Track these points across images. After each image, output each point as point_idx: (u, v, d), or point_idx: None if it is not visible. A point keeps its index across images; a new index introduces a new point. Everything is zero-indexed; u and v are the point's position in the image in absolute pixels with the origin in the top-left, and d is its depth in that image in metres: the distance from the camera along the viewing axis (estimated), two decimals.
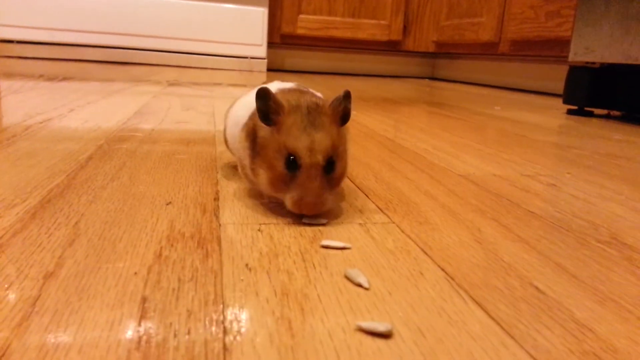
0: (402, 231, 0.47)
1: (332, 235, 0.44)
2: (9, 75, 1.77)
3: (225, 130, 0.64)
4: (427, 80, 3.28)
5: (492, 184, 0.66)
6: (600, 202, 0.60)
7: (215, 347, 0.27)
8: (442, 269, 0.39)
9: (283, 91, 0.53)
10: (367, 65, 3.34)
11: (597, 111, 1.61)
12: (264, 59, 2.88)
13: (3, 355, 0.25)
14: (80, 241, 0.40)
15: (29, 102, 1.12)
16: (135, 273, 0.35)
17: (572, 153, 0.92)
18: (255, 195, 0.54)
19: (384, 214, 0.51)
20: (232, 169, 0.66)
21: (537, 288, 0.36)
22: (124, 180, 0.57)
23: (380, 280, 0.36)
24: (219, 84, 1.96)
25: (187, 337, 0.28)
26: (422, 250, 0.42)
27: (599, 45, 1.45)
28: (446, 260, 0.40)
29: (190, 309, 0.31)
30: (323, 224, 0.47)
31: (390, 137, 0.98)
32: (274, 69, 3.05)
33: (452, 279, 0.37)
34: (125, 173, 0.60)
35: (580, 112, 1.59)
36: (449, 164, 0.76)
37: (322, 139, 0.46)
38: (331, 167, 0.47)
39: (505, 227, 0.49)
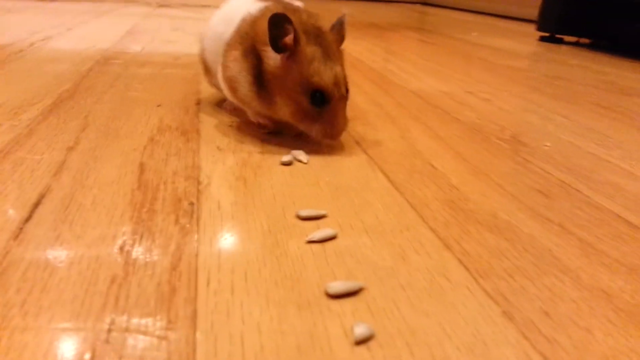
0: (346, 130, 0.59)
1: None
2: None
3: (203, 52, 0.60)
4: (418, 5, 3.28)
5: (435, 97, 0.77)
6: (520, 113, 0.72)
7: (191, 191, 0.40)
8: (367, 154, 0.51)
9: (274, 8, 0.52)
10: None
11: (567, 38, 1.69)
12: None
13: (44, 196, 0.38)
14: (91, 128, 0.52)
15: (28, 22, 1.20)
16: (134, 149, 0.47)
17: (522, 75, 1.03)
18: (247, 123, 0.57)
19: None
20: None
21: (432, 165, 0.49)
22: (120, 87, 0.68)
23: (317, 159, 0.49)
24: (207, 6, 2.00)
25: (172, 185, 0.41)
26: (357, 142, 0.55)
27: None
28: (373, 148, 0.53)
29: (175, 170, 0.43)
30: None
31: (363, 58, 1.08)
32: None
33: (372, 159, 0.50)
34: (121, 82, 0.71)
35: (551, 39, 1.67)
36: (406, 82, 0.87)
37: (342, 72, 0.48)
38: (347, 94, 0.49)
39: (430, 129, 0.61)
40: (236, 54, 0.50)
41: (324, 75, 0.46)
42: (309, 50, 0.46)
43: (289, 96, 0.47)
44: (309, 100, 0.47)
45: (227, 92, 0.54)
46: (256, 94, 0.49)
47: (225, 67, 0.52)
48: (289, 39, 0.46)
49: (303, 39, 0.46)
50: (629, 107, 0.80)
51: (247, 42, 0.49)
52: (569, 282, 0.31)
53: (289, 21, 0.45)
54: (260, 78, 0.48)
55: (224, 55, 0.52)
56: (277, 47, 0.46)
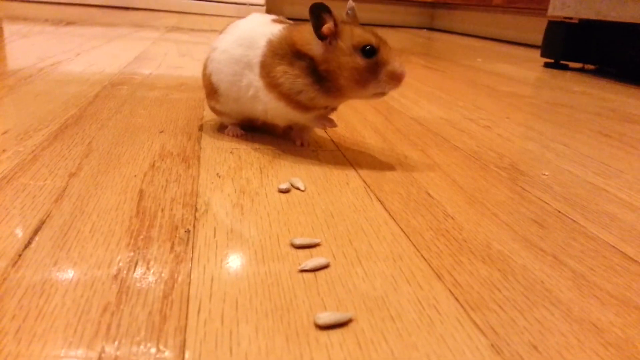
0: (344, 156, 0.59)
1: (288, 159, 0.57)
2: (13, 18, 1.85)
3: (210, 76, 0.60)
4: (424, 30, 3.32)
5: (435, 124, 0.78)
6: (519, 140, 0.72)
7: (188, 218, 0.41)
8: (364, 181, 0.52)
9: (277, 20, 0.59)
10: (367, 14, 3.37)
11: (572, 64, 1.70)
12: (263, 5, 2.92)
13: (44, 222, 0.39)
14: (94, 154, 0.53)
15: (39, 46, 1.23)
16: (135, 175, 0.48)
17: (524, 102, 1.04)
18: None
19: (335, 144, 0.64)
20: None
21: (428, 194, 0.49)
22: (126, 113, 0.70)
23: (314, 186, 0.49)
24: (216, 31, 2.04)
25: (170, 212, 0.41)
26: (354, 169, 0.55)
27: (574, 1, 1.53)
28: (370, 176, 0.53)
29: (174, 197, 0.44)
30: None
31: None
32: None
33: (369, 187, 0.50)
34: (127, 108, 0.73)
35: (556, 65, 1.68)
36: (406, 108, 0.88)
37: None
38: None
39: (428, 156, 0.62)
40: (282, 67, 0.53)
41: (364, 33, 0.51)
42: (346, 26, 0.52)
43: (346, 68, 0.51)
44: (363, 56, 0.51)
45: (283, 108, 0.55)
46: (320, 89, 0.53)
47: (275, 85, 0.54)
48: (327, 27, 0.51)
49: (339, 21, 0.52)
50: (631, 134, 0.81)
51: (286, 53, 0.53)
52: (559, 315, 0.32)
53: (327, 9, 0.50)
54: (316, 74, 0.52)
55: (267, 78, 0.54)
56: (320, 35, 0.51)
